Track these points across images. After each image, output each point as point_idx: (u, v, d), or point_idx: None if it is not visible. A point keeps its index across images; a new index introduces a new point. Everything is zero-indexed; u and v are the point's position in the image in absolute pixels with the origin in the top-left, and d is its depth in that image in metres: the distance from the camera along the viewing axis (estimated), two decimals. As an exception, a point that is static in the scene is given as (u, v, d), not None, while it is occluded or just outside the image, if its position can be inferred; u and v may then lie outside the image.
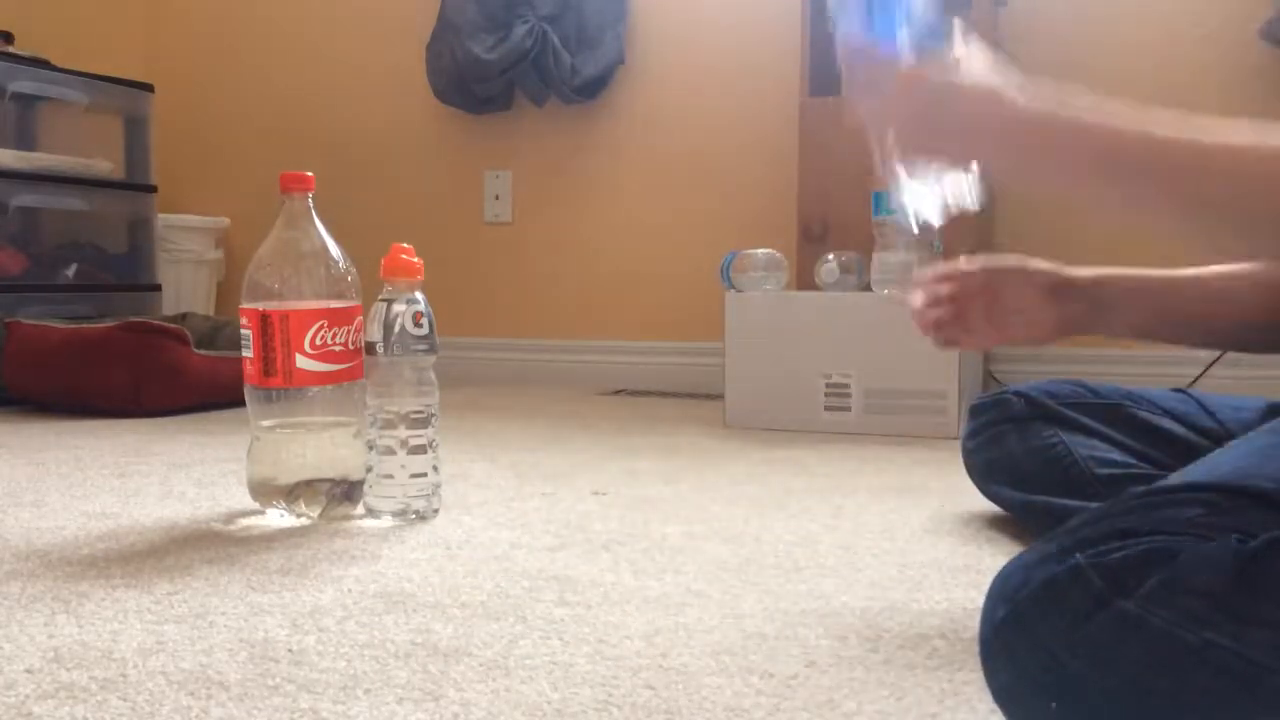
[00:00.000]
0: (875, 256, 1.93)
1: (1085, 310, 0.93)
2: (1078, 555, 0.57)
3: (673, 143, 2.65)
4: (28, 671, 0.76)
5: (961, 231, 2.08)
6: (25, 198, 2.48)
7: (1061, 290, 0.93)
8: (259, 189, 2.98)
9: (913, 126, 0.69)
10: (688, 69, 2.63)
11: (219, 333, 2.39)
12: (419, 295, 1.19)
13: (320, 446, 1.23)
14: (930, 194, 0.74)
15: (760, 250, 2.05)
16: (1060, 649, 0.56)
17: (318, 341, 1.20)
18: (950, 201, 0.74)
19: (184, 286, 2.92)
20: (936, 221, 0.74)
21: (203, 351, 2.15)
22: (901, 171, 0.73)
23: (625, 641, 0.82)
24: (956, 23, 0.73)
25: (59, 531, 1.17)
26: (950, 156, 0.70)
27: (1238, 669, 0.52)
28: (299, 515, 1.22)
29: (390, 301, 1.18)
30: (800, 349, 1.95)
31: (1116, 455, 1.06)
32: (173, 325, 2.17)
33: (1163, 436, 1.03)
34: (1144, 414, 1.04)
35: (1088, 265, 0.94)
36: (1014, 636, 0.57)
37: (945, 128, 0.68)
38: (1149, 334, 0.97)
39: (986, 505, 1.24)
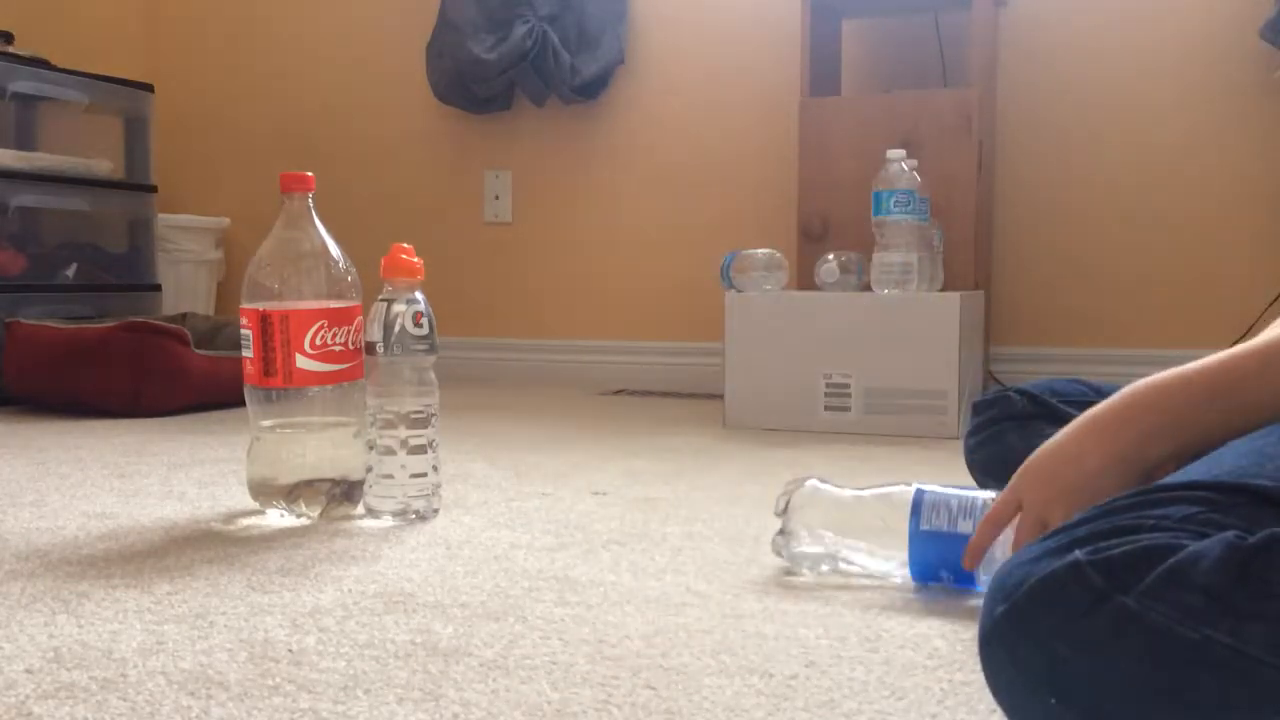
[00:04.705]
0: (875, 256, 1.93)
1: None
2: (1077, 552, 0.57)
3: (673, 143, 2.65)
4: (28, 671, 0.76)
5: (962, 222, 2.08)
6: (25, 198, 2.48)
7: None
8: (259, 189, 2.98)
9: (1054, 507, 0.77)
10: (688, 69, 2.63)
11: (219, 333, 2.39)
12: (419, 295, 1.19)
13: (320, 446, 1.24)
14: None
15: (760, 250, 2.05)
16: (1059, 645, 0.56)
17: (318, 341, 1.20)
18: None
19: (184, 286, 2.92)
20: None
21: (203, 351, 2.15)
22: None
23: (625, 641, 0.82)
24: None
25: (59, 531, 1.17)
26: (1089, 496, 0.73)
27: (1236, 665, 0.52)
28: (299, 515, 1.23)
29: (390, 301, 1.18)
30: (800, 349, 1.95)
31: None
32: (173, 325, 2.17)
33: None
34: (1145, 414, 1.03)
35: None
36: (1013, 633, 0.57)
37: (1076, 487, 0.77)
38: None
39: (986, 505, 1.24)
